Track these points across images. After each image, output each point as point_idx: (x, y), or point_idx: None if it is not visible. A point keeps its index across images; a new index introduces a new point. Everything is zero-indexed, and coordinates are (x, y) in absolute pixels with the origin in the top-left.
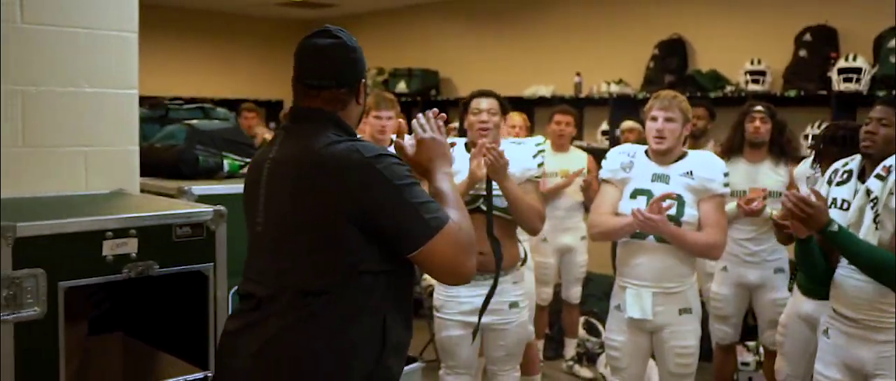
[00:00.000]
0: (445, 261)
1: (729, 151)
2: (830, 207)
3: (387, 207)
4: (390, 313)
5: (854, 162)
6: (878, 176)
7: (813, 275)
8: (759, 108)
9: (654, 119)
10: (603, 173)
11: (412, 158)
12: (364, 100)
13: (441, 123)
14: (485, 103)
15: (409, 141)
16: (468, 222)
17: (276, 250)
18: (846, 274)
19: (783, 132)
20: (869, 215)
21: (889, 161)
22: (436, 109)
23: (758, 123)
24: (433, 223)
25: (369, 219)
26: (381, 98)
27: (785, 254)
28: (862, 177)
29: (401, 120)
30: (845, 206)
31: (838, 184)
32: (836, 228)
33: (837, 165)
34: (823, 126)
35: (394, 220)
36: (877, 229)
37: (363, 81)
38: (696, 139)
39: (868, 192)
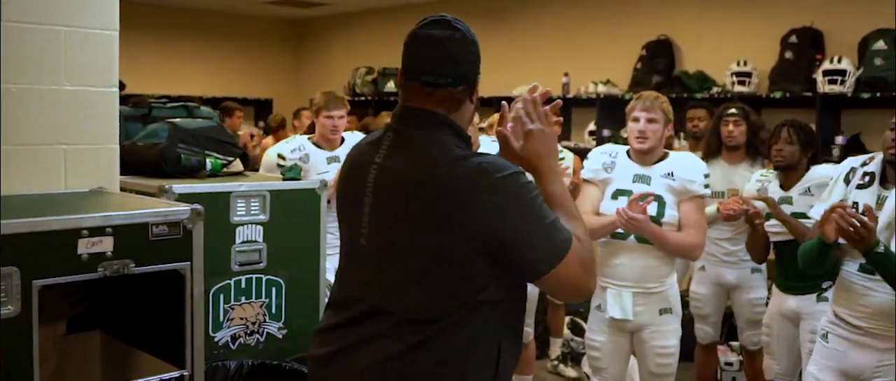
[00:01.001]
0: (571, 282)
1: (707, 154)
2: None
3: (521, 234)
4: (505, 339)
5: (874, 163)
6: None
7: (804, 274)
8: (732, 111)
9: (636, 120)
10: (584, 173)
11: (517, 153)
12: (476, 100)
13: (548, 109)
14: None
15: (511, 130)
16: (586, 232)
17: (384, 267)
18: (856, 280)
19: (758, 134)
20: None
21: None
22: (544, 90)
23: (731, 126)
24: (562, 246)
25: (501, 247)
26: (332, 97)
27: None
28: (884, 182)
29: (504, 103)
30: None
31: (859, 187)
32: (882, 249)
33: (855, 163)
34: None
35: (528, 247)
36: None
37: (477, 80)
38: (698, 140)
39: None
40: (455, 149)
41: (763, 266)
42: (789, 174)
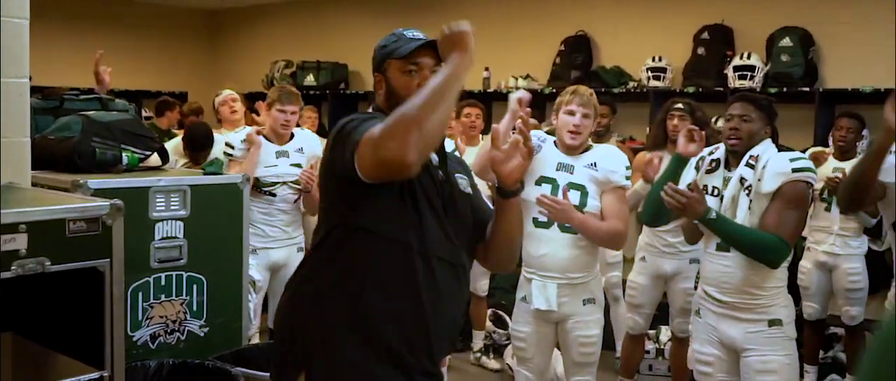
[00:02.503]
0: (372, 161)
1: (653, 147)
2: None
3: (331, 148)
4: (375, 279)
5: (719, 151)
6: (749, 165)
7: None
8: (678, 106)
9: (572, 113)
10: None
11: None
12: (385, 87)
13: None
14: None
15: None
16: (419, 110)
17: None
18: (713, 260)
19: (703, 128)
20: (744, 200)
21: (755, 151)
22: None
23: (676, 120)
24: (356, 139)
25: (328, 166)
26: (286, 92)
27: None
28: (727, 166)
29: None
30: (716, 192)
31: (708, 172)
32: (714, 215)
33: (704, 153)
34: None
35: (333, 151)
36: (751, 214)
37: (375, 73)
38: (600, 137)
39: (742, 180)
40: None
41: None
42: None
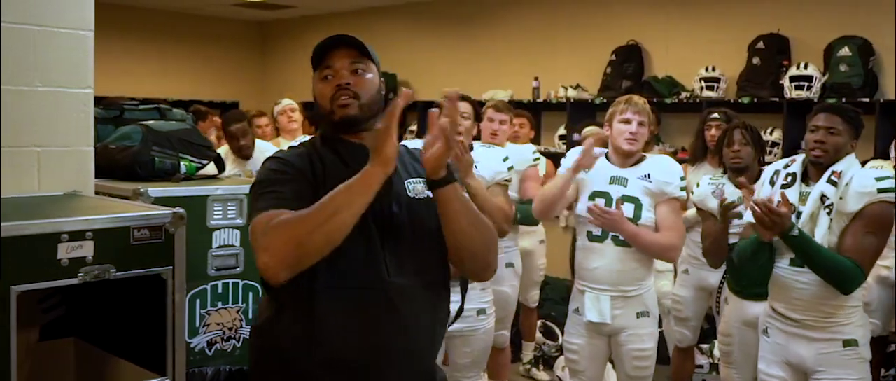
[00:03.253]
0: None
1: (694, 158)
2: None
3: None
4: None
5: (796, 164)
6: (831, 181)
7: (758, 277)
8: (715, 115)
9: (628, 121)
10: (560, 171)
11: None
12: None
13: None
14: (459, 107)
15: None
16: (304, 226)
17: None
18: (787, 275)
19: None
20: (824, 219)
21: (839, 166)
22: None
23: (713, 130)
24: (253, 212)
25: None
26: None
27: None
28: (805, 180)
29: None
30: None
31: (783, 187)
32: (797, 232)
33: (778, 166)
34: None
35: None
36: (830, 233)
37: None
38: (645, 145)
39: (823, 197)
40: None
41: None
42: (744, 176)
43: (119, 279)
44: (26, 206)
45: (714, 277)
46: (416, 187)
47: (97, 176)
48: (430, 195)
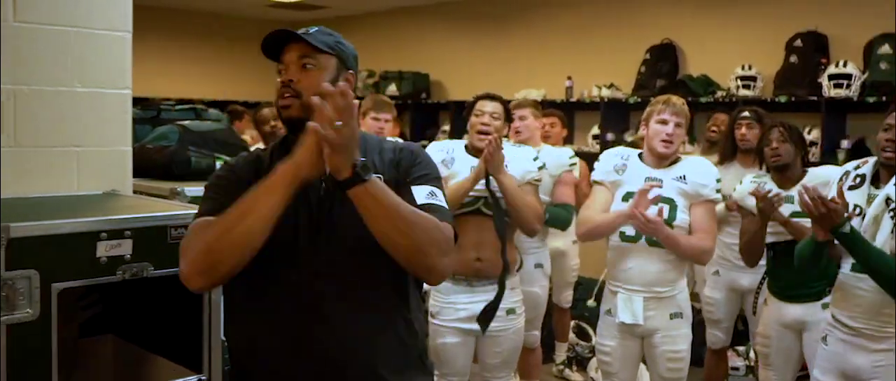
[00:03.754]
0: None
1: (723, 157)
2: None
3: None
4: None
5: (867, 166)
6: None
7: (796, 279)
8: (745, 114)
9: (665, 123)
10: (595, 175)
11: None
12: None
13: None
14: (489, 106)
15: None
16: (214, 233)
17: None
18: (849, 280)
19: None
20: (888, 222)
21: None
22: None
23: (744, 129)
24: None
25: None
26: (380, 101)
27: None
28: (875, 182)
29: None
30: (857, 211)
31: (850, 188)
32: (848, 229)
33: (849, 167)
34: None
35: None
36: (893, 237)
37: None
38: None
39: (888, 200)
40: None
41: None
42: (785, 174)
43: (156, 277)
44: (66, 205)
45: (746, 278)
46: None
47: (135, 176)
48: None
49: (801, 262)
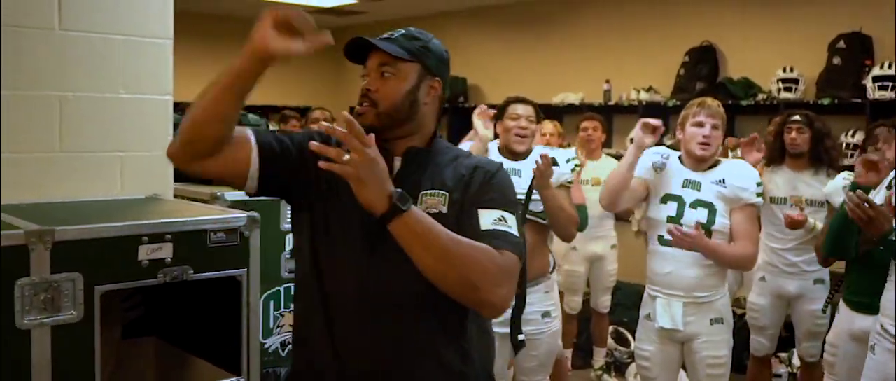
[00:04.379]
0: None
1: (771, 160)
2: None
3: None
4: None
5: None
6: None
7: (869, 286)
8: (796, 117)
9: (701, 125)
10: (638, 172)
11: None
12: None
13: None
14: (522, 110)
15: None
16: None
17: None
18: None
19: (823, 141)
20: None
21: None
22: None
23: (794, 133)
24: None
25: None
26: None
27: None
28: None
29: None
30: None
31: None
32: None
33: None
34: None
35: None
36: None
37: None
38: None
39: None
40: None
41: (826, 277)
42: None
43: (197, 281)
44: (109, 209)
45: (791, 284)
46: (429, 200)
47: (177, 179)
48: (445, 211)
49: (834, 238)
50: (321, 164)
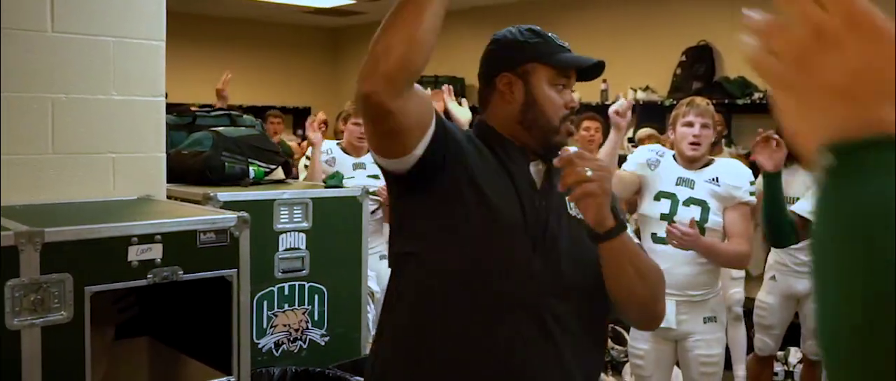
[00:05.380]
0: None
1: (789, 159)
2: None
3: None
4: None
5: None
6: None
7: None
8: None
9: (690, 124)
10: (626, 166)
11: None
12: (521, 95)
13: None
14: None
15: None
16: (384, 23)
17: None
18: None
19: None
20: None
21: None
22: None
23: None
24: None
25: None
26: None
27: None
28: None
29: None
30: None
31: None
32: None
33: None
34: None
35: None
36: None
37: (504, 74)
38: (713, 146)
39: None
40: None
41: None
42: None
43: (189, 281)
44: (101, 210)
45: (801, 284)
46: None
47: (171, 180)
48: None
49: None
50: (564, 181)
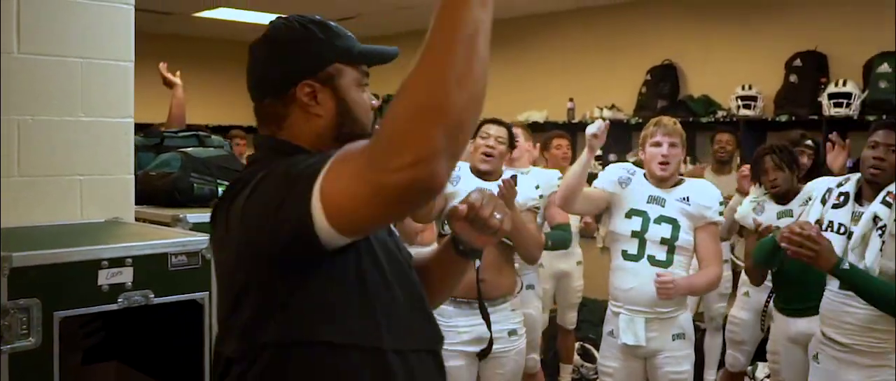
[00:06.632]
0: (357, 197)
1: (724, 164)
2: (826, 230)
3: None
4: None
5: (850, 184)
6: (886, 202)
7: (801, 294)
8: (808, 142)
9: (659, 145)
10: (596, 183)
11: None
12: (331, 104)
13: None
14: (494, 130)
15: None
16: (446, 80)
17: None
18: (837, 299)
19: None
20: (876, 241)
21: (893, 187)
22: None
23: (805, 159)
24: (311, 176)
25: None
26: None
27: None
28: (859, 200)
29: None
30: (842, 230)
31: (834, 206)
32: (847, 266)
33: (831, 183)
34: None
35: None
36: (882, 256)
37: (305, 81)
38: (723, 165)
39: (875, 218)
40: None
41: None
42: (787, 198)
43: (158, 305)
44: (68, 233)
45: None
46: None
47: (139, 202)
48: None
49: (758, 260)
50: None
